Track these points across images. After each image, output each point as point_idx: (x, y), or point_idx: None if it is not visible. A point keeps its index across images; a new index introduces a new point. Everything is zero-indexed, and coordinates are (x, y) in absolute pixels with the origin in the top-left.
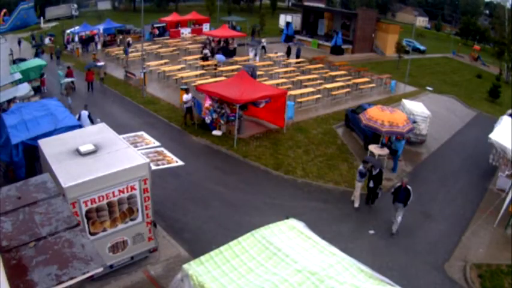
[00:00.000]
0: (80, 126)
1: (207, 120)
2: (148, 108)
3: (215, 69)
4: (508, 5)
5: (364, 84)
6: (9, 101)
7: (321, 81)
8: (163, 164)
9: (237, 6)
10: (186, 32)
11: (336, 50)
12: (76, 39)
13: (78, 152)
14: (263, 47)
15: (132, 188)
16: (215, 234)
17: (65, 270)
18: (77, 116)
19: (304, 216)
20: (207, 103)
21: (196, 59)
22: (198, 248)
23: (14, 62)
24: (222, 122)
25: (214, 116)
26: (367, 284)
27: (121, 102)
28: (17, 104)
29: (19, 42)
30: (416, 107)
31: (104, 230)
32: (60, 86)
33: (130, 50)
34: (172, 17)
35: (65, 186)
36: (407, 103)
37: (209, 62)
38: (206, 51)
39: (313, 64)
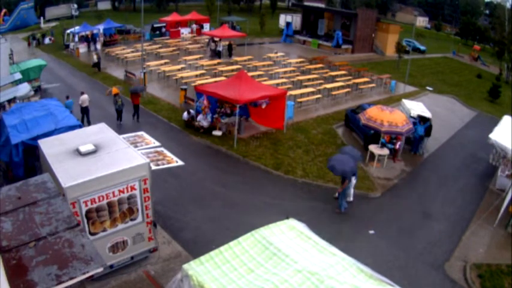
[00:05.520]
0: (80, 126)
1: (204, 122)
2: (149, 108)
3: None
4: (508, 5)
5: (364, 84)
6: (9, 101)
7: (321, 81)
8: (163, 164)
9: (237, 6)
10: (186, 32)
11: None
12: (76, 39)
13: (78, 152)
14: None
15: (132, 188)
16: (215, 234)
17: (65, 270)
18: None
19: (304, 216)
20: (204, 103)
21: (196, 59)
22: (198, 248)
23: None
24: (222, 121)
25: (215, 116)
26: (367, 284)
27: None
28: (17, 104)
29: None
30: (417, 107)
31: (104, 230)
32: None
33: (130, 49)
34: (172, 17)
35: (65, 186)
36: (407, 103)
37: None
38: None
39: (313, 64)
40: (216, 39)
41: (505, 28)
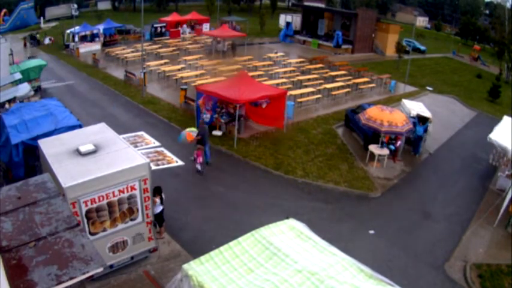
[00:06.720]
0: (80, 126)
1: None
2: (149, 108)
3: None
4: (508, 5)
5: (364, 84)
6: (9, 101)
7: (321, 81)
8: (163, 164)
9: (237, 6)
10: (186, 31)
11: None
12: (76, 39)
13: (78, 152)
14: None
15: (132, 188)
16: (215, 234)
17: (65, 270)
18: None
19: (304, 216)
20: (199, 102)
21: (196, 59)
22: (198, 248)
23: None
24: (222, 121)
25: (215, 116)
26: (367, 284)
27: (121, 102)
28: (17, 104)
29: None
30: (417, 107)
31: (104, 230)
32: None
33: (130, 49)
34: (172, 17)
35: (65, 186)
36: (407, 103)
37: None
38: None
39: (313, 64)
40: (219, 39)
41: (505, 28)
